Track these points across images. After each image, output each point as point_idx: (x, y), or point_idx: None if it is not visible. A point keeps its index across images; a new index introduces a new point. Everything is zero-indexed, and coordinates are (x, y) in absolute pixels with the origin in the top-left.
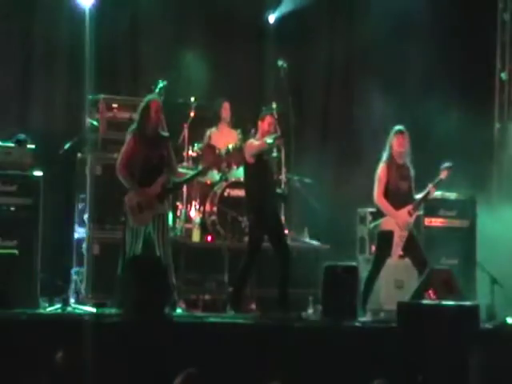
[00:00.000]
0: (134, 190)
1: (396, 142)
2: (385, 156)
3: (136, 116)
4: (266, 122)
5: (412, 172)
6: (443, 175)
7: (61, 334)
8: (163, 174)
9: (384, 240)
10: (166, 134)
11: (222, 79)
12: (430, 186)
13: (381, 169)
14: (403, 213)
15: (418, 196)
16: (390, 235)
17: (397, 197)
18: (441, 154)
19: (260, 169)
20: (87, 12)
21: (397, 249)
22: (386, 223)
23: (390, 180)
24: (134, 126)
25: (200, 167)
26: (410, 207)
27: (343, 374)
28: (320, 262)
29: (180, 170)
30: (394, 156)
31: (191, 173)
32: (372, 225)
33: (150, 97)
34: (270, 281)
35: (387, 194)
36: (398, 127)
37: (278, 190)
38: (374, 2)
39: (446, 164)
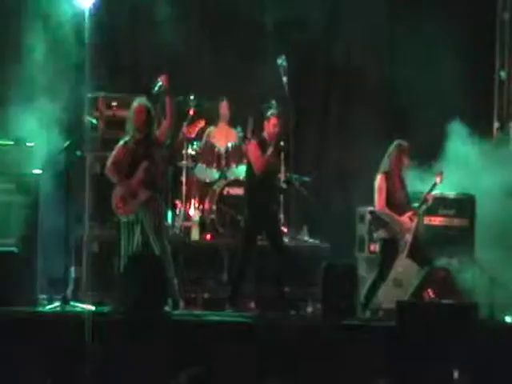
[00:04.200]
0: (120, 183)
1: (396, 156)
2: (385, 166)
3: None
4: (270, 124)
5: (406, 179)
6: (438, 180)
7: (60, 331)
8: (145, 161)
9: (389, 247)
10: (154, 134)
11: (221, 77)
12: (425, 193)
13: (380, 179)
14: (405, 219)
15: (416, 204)
16: (395, 242)
17: (397, 206)
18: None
19: (262, 173)
20: (87, 11)
21: (402, 254)
22: (390, 231)
23: (390, 190)
24: (126, 135)
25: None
26: (410, 213)
27: (342, 372)
28: (319, 260)
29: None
30: (393, 168)
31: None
32: (375, 235)
33: (134, 102)
34: (269, 279)
35: (388, 203)
36: (402, 142)
37: (280, 183)
38: (374, 3)
39: (439, 169)
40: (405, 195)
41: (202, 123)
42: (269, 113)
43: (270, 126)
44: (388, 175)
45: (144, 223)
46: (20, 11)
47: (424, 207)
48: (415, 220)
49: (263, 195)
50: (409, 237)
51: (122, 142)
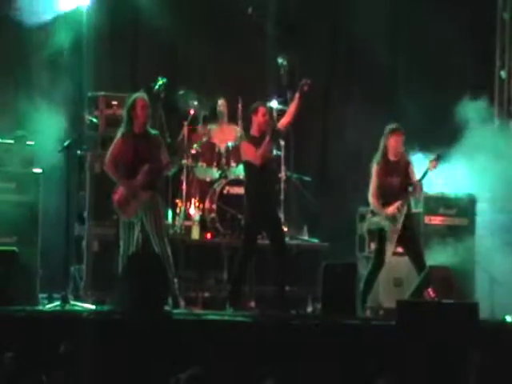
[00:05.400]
0: (121, 183)
1: (392, 141)
2: (378, 155)
3: (124, 115)
4: (259, 114)
5: (410, 167)
6: (431, 166)
7: (60, 331)
8: (147, 163)
9: (379, 238)
10: (155, 132)
11: (221, 77)
12: (416, 180)
13: (373, 169)
14: (392, 209)
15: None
16: (383, 233)
17: (388, 193)
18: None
19: (261, 168)
20: (85, 10)
21: (391, 245)
22: (379, 221)
23: (381, 178)
24: (122, 128)
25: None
26: (398, 203)
27: (341, 372)
28: (319, 260)
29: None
30: (387, 154)
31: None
32: (366, 223)
33: (135, 95)
34: (269, 279)
35: (379, 191)
36: (393, 126)
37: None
38: (375, 3)
39: (433, 156)
40: (399, 182)
41: (206, 131)
42: (254, 105)
43: (260, 116)
44: (380, 163)
45: (144, 221)
46: (19, 10)
47: (414, 194)
48: (403, 209)
49: (263, 193)
50: (397, 226)
51: (119, 135)
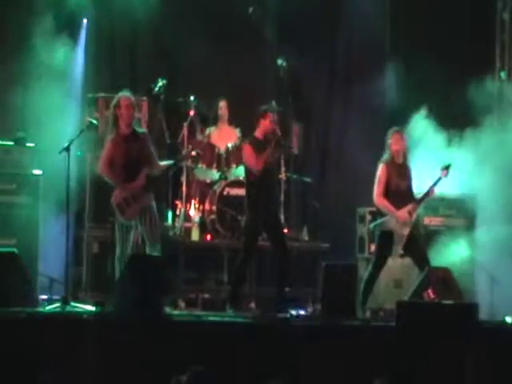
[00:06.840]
0: (119, 186)
1: (394, 142)
2: (384, 156)
3: (110, 116)
4: (268, 119)
5: (411, 171)
6: (443, 174)
7: (60, 332)
8: (145, 166)
9: (385, 240)
10: (142, 130)
11: (221, 78)
12: (430, 186)
13: (380, 169)
14: (403, 212)
15: (419, 196)
16: (391, 235)
17: (397, 196)
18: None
19: (261, 171)
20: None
21: (397, 248)
22: (387, 223)
23: (390, 180)
24: (110, 131)
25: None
26: (410, 207)
27: (342, 373)
28: (319, 261)
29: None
30: (393, 156)
31: (168, 162)
32: (372, 225)
33: (119, 94)
34: (270, 280)
35: (387, 193)
36: (395, 127)
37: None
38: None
39: (445, 163)
40: (407, 185)
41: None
42: (264, 108)
43: (268, 121)
44: (388, 165)
45: (139, 225)
46: (19, 12)
47: (426, 200)
48: (414, 214)
49: (264, 195)
50: (405, 231)
51: (109, 138)
